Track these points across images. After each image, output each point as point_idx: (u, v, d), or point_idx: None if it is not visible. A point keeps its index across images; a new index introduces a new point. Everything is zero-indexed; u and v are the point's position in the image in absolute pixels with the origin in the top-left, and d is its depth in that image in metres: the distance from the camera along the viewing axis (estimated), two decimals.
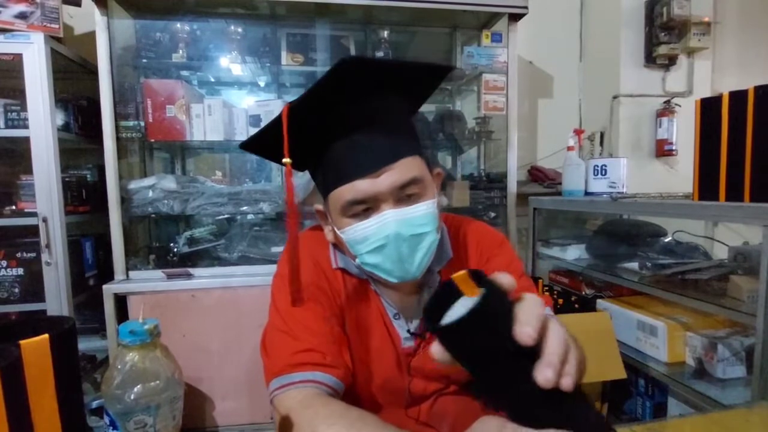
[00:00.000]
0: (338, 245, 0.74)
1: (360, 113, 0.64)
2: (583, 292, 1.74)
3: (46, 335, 0.34)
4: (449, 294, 0.44)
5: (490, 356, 0.40)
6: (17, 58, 1.52)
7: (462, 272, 0.43)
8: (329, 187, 0.66)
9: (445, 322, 0.42)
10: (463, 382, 0.79)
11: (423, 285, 0.76)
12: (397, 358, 0.75)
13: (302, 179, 1.76)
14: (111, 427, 0.59)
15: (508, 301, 0.42)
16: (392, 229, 0.63)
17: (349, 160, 0.63)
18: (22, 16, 1.53)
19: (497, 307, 0.41)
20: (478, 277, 0.43)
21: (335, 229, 0.69)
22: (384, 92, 0.66)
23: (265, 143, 0.69)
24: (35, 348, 0.33)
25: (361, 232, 0.65)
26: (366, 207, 0.64)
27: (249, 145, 0.70)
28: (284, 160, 0.60)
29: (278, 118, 0.62)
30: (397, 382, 0.75)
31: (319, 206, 0.73)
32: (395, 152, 0.64)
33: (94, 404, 1.34)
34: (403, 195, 0.64)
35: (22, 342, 0.32)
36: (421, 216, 0.65)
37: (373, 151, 0.63)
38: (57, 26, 1.60)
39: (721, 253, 1.63)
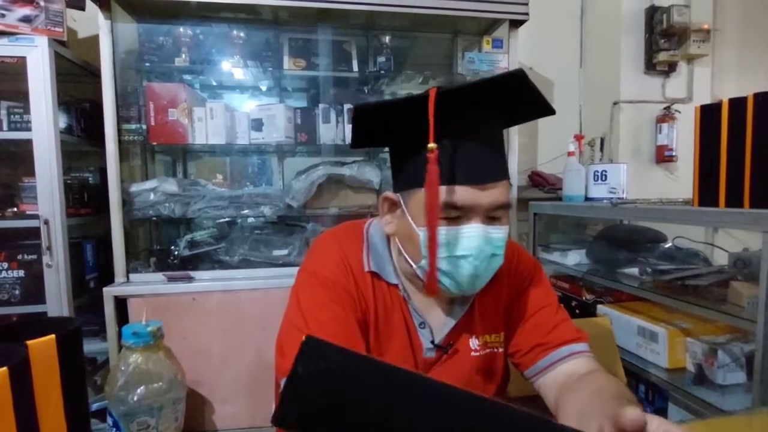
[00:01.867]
0: (400, 241, 0.71)
1: (488, 124, 0.65)
2: (584, 298, 1.74)
3: (53, 335, 0.34)
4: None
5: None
6: (21, 61, 1.53)
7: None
8: (424, 181, 0.62)
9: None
10: None
11: (455, 297, 0.75)
12: (416, 368, 0.74)
13: (304, 182, 1.77)
14: (114, 429, 0.59)
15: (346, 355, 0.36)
16: (478, 244, 0.63)
17: (463, 164, 0.62)
18: (26, 19, 1.54)
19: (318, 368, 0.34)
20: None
21: (412, 223, 0.66)
22: (503, 114, 0.67)
23: (383, 114, 0.68)
24: (42, 348, 0.33)
25: (443, 237, 0.63)
26: (459, 215, 0.63)
27: (366, 110, 0.68)
28: (430, 145, 0.59)
29: (418, 98, 0.61)
30: None
31: (391, 194, 0.71)
32: (503, 171, 0.65)
33: (95, 406, 1.34)
34: (493, 215, 0.64)
35: (30, 342, 0.33)
36: (501, 238, 0.65)
37: (487, 164, 0.63)
38: (61, 30, 1.61)
39: (721, 259, 1.63)
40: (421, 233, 0.65)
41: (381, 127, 0.70)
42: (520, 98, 0.66)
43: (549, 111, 0.70)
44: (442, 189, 0.62)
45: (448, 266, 0.65)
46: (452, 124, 0.63)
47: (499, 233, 0.65)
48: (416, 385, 0.37)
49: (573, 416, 0.59)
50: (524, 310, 0.77)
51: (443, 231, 0.63)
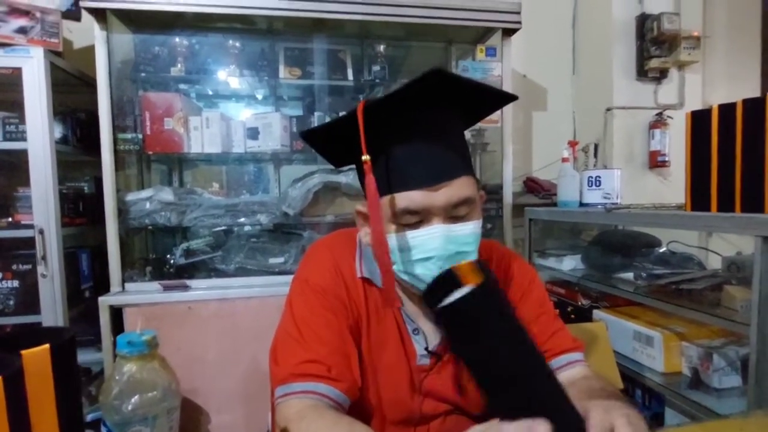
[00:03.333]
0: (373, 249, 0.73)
1: (430, 124, 0.64)
2: (579, 303, 1.74)
3: (47, 345, 0.34)
4: (450, 281, 0.49)
5: (490, 339, 0.46)
6: (16, 72, 1.53)
7: (465, 262, 0.49)
8: (382, 191, 0.64)
9: (448, 300, 0.47)
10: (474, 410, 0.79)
11: None
12: (410, 375, 0.74)
13: (300, 190, 1.77)
14: None
15: (502, 292, 0.49)
16: (439, 244, 0.63)
17: (410, 169, 0.63)
18: (22, 30, 1.55)
19: (496, 292, 0.48)
20: (481, 267, 0.49)
21: None
22: (453, 109, 0.67)
23: (327, 136, 0.70)
24: (36, 358, 0.33)
25: (407, 242, 0.64)
26: (418, 219, 0.64)
27: (311, 135, 0.71)
28: (364, 157, 0.60)
29: (350, 115, 0.62)
30: (407, 400, 0.74)
31: (361, 207, 0.72)
32: (455, 169, 0.64)
33: (90, 417, 1.33)
34: (454, 213, 0.64)
35: (24, 352, 0.33)
36: (467, 235, 0.65)
37: (436, 165, 0.63)
38: (57, 40, 1.61)
39: (715, 263, 1.64)
40: (388, 240, 0.66)
41: (336, 146, 0.73)
42: (463, 92, 0.66)
43: (503, 96, 0.72)
44: (396, 196, 0.63)
45: (415, 270, 0.65)
46: (394, 131, 0.64)
47: (464, 230, 0.65)
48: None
49: None
50: (521, 317, 0.77)
51: (402, 236, 0.65)
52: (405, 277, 0.67)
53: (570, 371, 0.72)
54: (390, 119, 0.64)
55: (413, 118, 0.64)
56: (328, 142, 0.73)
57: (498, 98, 0.74)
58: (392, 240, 0.65)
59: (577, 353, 0.74)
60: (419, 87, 0.61)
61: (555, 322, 0.78)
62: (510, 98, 0.72)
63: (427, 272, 0.64)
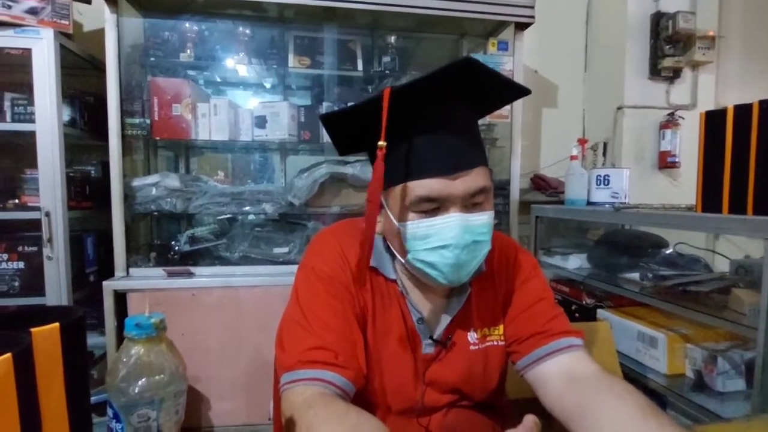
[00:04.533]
0: (387, 238, 0.73)
1: (451, 114, 0.65)
2: (584, 302, 1.74)
3: (57, 324, 0.34)
4: None
5: None
6: (26, 53, 1.53)
7: None
8: (400, 178, 0.64)
9: None
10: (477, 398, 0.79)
11: (452, 292, 0.75)
12: (414, 364, 0.74)
13: (306, 180, 1.77)
14: (114, 420, 0.59)
15: None
16: (457, 233, 0.63)
17: (429, 157, 0.63)
18: (32, 11, 1.54)
19: None
20: None
21: (393, 220, 0.67)
22: (471, 101, 0.67)
23: (348, 119, 0.70)
24: (46, 336, 0.33)
25: (424, 229, 0.64)
26: (435, 206, 0.64)
27: (330, 118, 0.71)
28: (380, 143, 0.60)
29: (374, 99, 0.62)
30: (411, 390, 0.74)
31: None
32: (474, 159, 0.64)
33: (92, 400, 1.33)
34: (471, 202, 0.65)
35: (34, 330, 0.33)
36: (483, 224, 0.65)
37: (456, 154, 0.63)
38: (67, 22, 1.61)
39: (722, 265, 1.63)
40: (402, 228, 0.66)
41: (352, 132, 0.72)
42: (483, 83, 0.66)
43: (520, 90, 0.72)
44: (415, 183, 0.63)
45: (430, 257, 0.65)
46: (417, 118, 0.64)
47: (480, 219, 0.65)
48: None
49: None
50: (523, 300, 0.78)
51: (417, 224, 0.64)
52: (419, 265, 0.67)
53: (571, 355, 0.71)
54: (413, 107, 0.63)
55: (436, 107, 0.64)
56: (346, 126, 0.72)
57: (512, 92, 0.74)
58: (408, 227, 0.65)
59: (578, 338, 0.74)
60: (449, 74, 0.60)
61: (555, 308, 0.78)
62: (524, 92, 0.72)
63: (442, 260, 0.64)
